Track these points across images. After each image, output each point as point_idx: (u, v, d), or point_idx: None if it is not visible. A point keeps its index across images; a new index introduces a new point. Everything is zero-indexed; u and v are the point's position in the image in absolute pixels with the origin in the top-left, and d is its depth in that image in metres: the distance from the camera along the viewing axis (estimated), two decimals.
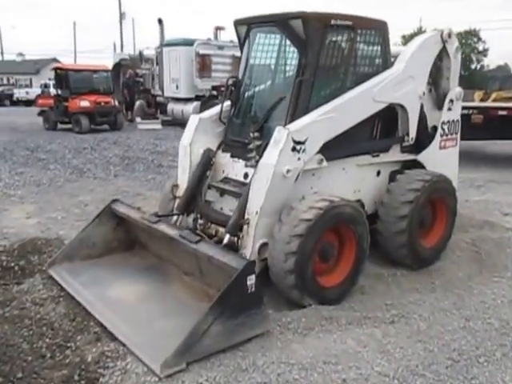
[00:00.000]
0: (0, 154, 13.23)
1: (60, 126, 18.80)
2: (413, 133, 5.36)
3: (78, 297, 4.40)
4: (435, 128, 5.76)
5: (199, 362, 3.45)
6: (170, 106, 19.73)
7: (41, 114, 19.67)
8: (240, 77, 5.23)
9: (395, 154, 5.45)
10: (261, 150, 4.43)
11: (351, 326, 3.99)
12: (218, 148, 5.25)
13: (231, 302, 3.59)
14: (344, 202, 4.29)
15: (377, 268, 5.20)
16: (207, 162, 5.09)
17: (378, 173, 5.36)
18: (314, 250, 4.16)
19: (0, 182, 9.78)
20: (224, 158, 5.15)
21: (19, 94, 39.29)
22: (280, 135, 4.23)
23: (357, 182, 5.16)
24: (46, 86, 31.22)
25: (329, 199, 4.21)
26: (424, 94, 5.32)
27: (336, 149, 4.73)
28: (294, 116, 4.51)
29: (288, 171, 4.22)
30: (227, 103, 5.30)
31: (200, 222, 5.02)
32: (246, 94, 5.24)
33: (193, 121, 5.25)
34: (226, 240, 4.36)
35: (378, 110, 4.92)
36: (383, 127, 5.27)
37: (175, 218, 5.05)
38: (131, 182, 9.87)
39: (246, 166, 4.67)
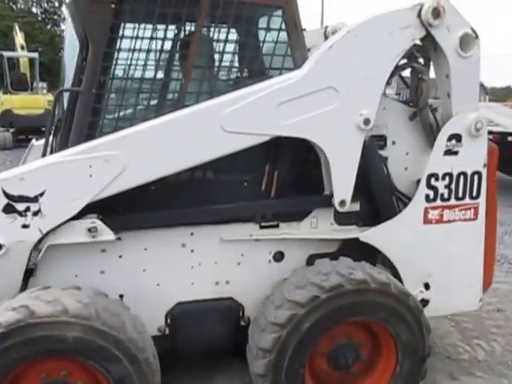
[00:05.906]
0: None
1: None
2: (343, 191, 2.89)
3: None
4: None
5: None
6: None
7: None
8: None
9: (321, 227, 3.05)
10: None
11: None
12: None
13: None
14: (64, 318, 2.28)
15: None
16: None
17: (280, 256, 3.06)
18: None
19: None
20: None
21: None
22: None
23: (223, 267, 2.98)
24: None
25: (31, 308, 2.27)
26: (369, 122, 2.81)
27: (150, 210, 2.74)
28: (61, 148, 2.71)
29: None
30: None
31: None
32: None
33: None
34: None
35: (239, 147, 2.69)
36: (289, 176, 2.97)
37: None
38: None
39: None
